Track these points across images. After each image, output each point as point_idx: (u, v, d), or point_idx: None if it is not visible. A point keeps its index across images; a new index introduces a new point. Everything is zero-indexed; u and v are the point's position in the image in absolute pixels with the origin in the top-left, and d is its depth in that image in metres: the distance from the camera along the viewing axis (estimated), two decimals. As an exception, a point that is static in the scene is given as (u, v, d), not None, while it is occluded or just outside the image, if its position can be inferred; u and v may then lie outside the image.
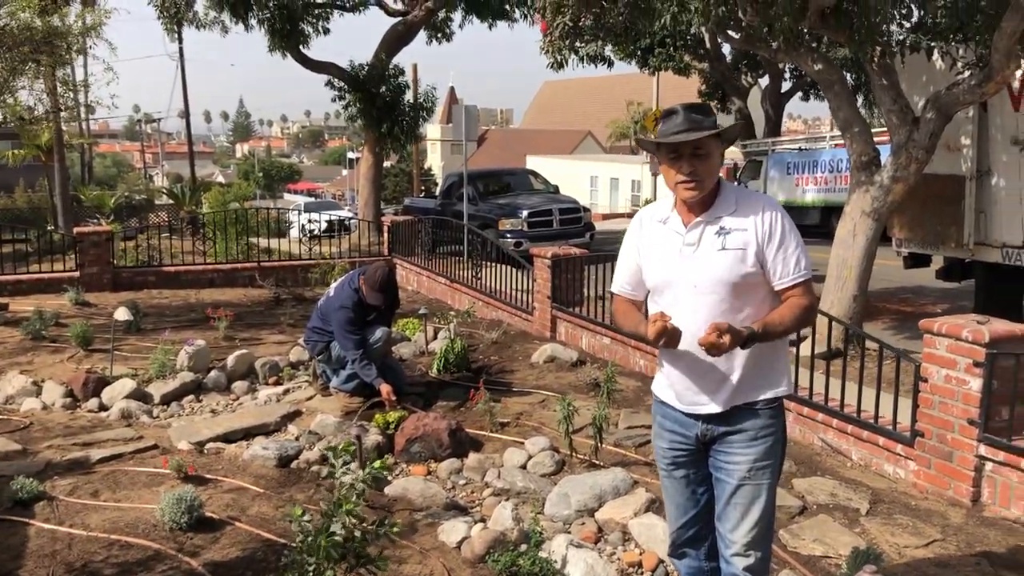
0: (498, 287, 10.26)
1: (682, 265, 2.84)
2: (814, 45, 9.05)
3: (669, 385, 2.98)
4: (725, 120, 31.95)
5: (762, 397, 2.89)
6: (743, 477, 2.89)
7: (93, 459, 5.43)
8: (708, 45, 18.99)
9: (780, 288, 2.83)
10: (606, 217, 33.09)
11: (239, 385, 7.54)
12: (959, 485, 4.81)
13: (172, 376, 7.43)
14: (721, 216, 2.82)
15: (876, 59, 8.21)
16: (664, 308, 2.88)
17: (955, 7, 7.90)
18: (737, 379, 2.84)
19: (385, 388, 6.40)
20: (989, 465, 4.70)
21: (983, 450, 4.69)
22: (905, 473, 5.19)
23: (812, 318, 2.88)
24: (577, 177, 43.62)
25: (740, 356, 2.81)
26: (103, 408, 6.93)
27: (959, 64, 8.22)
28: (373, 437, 5.85)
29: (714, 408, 2.87)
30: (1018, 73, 7.79)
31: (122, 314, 9.26)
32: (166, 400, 7.15)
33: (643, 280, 3.00)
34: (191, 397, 7.29)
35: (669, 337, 2.72)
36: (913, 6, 8.45)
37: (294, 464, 5.52)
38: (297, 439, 6.01)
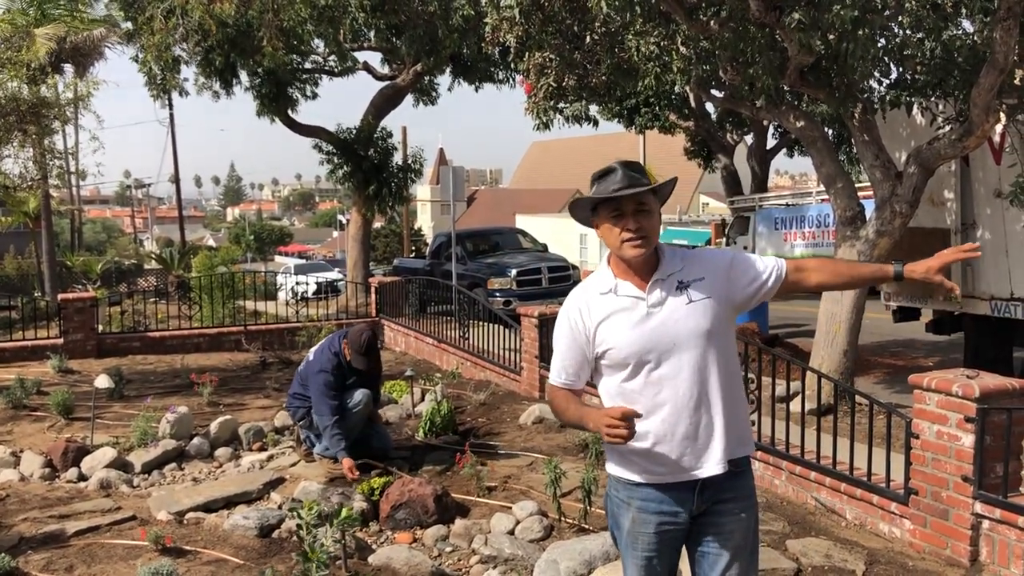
0: (486, 347, 10.18)
1: (655, 329, 2.68)
2: (795, 103, 9.15)
3: (656, 462, 2.71)
4: (711, 178, 31.95)
5: (744, 454, 2.78)
6: (737, 547, 2.73)
7: (69, 532, 5.28)
8: (692, 104, 19.22)
9: (779, 272, 2.78)
10: (596, 274, 33.06)
11: (222, 452, 7.40)
12: (956, 544, 4.70)
13: (154, 444, 7.29)
14: (672, 273, 2.72)
15: (856, 115, 8.29)
16: (636, 381, 2.71)
17: (933, 63, 8.00)
18: (723, 429, 2.70)
19: (347, 462, 6.28)
20: (986, 523, 4.60)
21: (979, 508, 4.60)
22: (901, 532, 5.09)
23: None
24: (567, 235, 43.76)
25: (717, 406, 2.70)
26: (82, 478, 6.77)
27: (939, 119, 8.30)
28: (358, 504, 5.70)
29: (714, 468, 2.69)
30: (998, 127, 7.86)
31: (104, 381, 9.11)
32: (147, 469, 7.01)
33: (590, 365, 2.79)
34: (173, 465, 7.15)
35: (630, 432, 2.54)
36: (891, 63, 8.55)
37: (276, 533, 5.37)
38: (280, 507, 5.86)
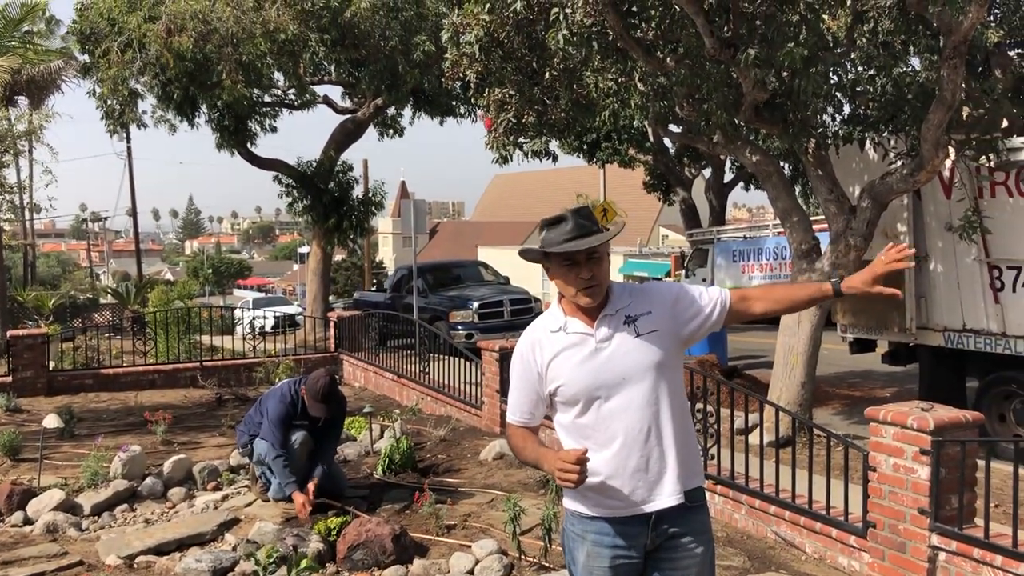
0: (447, 381, 10.10)
1: (604, 364, 2.73)
2: (751, 138, 9.29)
3: (609, 495, 2.73)
4: (670, 211, 32.29)
5: (696, 485, 2.80)
6: None
7: (12, 580, 5.11)
8: (651, 138, 19.44)
9: (723, 304, 2.82)
10: (558, 307, 33.07)
11: (176, 492, 7.21)
12: (914, 577, 4.71)
13: (105, 484, 7.08)
14: (620, 309, 2.77)
15: (810, 150, 8.43)
16: (588, 415, 2.73)
17: (884, 99, 8.17)
18: (675, 461, 2.72)
19: (299, 498, 6.16)
20: (942, 555, 4.62)
21: (936, 540, 4.62)
22: (860, 565, 5.09)
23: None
24: (529, 267, 43.75)
25: (668, 438, 2.72)
26: (28, 522, 6.54)
27: (891, 154, 8.46)
28: (314, 545, 5.58)
29: (670, 499, 2.71)
30: (947, 162, 8.03)
31: (53, 420, 8.90)
32: (97, 511, 6.79)
33: (545, 403, 2.83)
34: (124, 506, 6.94)
35: (581, 477, 2.56)
36: (844, 99, 8.72)
37: (229, 577, 5.25)
38: (234, 549, 5.72)
